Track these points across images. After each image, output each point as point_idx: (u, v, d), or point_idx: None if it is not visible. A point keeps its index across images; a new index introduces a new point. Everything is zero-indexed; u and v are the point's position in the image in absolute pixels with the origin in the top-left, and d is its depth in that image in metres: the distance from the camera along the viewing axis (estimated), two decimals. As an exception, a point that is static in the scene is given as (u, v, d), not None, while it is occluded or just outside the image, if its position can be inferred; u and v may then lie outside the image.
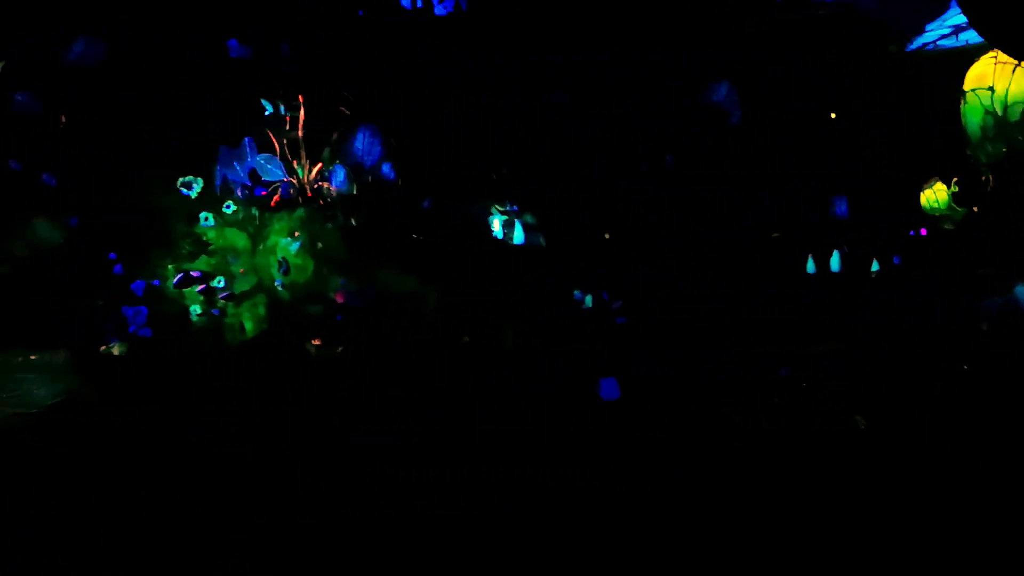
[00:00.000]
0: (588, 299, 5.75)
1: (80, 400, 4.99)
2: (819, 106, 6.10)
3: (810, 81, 6.04)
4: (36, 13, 5.68)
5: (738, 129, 5.97)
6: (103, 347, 5.39)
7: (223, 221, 5.66)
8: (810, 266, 5.97)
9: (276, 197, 5.75)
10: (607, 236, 5.96)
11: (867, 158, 6.04)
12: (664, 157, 5.97)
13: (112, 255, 5.56)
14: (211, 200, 5.68)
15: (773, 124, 6.03)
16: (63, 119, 5.77)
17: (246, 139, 5.77)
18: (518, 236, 5.78)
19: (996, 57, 5.68)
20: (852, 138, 6.08)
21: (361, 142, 5.77)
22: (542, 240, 5.80)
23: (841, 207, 6.02)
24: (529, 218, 5.79)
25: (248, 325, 5.50)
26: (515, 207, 5.77)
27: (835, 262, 5.96)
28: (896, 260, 5.96)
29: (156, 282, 5.55)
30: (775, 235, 5.96)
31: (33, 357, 5.14)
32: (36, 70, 5.73)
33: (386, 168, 5.78)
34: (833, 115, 6.10)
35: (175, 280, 5.52)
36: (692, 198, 5.96)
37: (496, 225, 5.78)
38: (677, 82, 5.91)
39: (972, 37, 5.72)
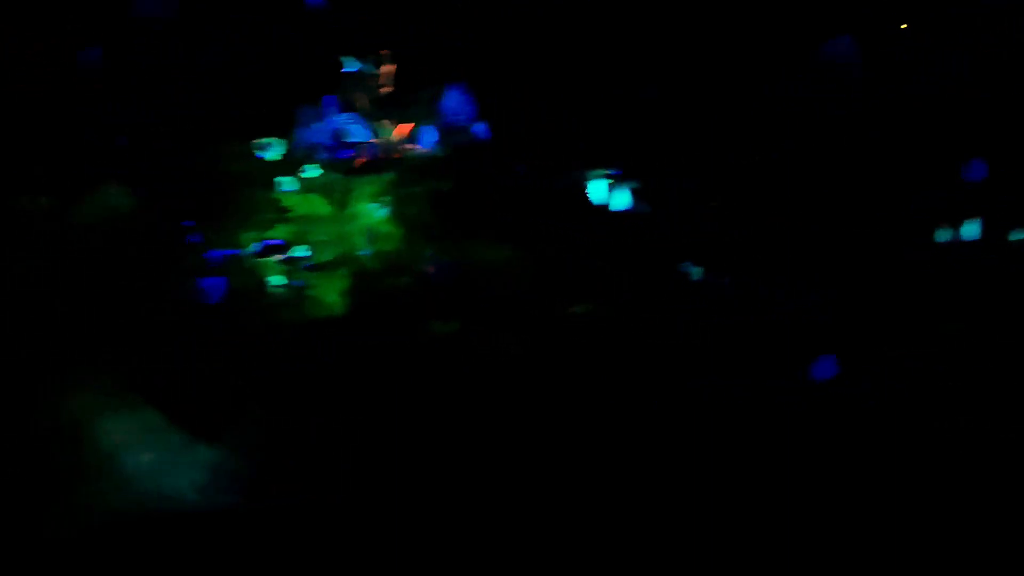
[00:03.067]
0: (696, 272, 5.28)
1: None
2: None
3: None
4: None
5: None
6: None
7: (304, 186, 5.32)
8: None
9: (360, 160, 5.38)
10: (714, 204, 5.46)
11: None
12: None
13: (187, 223, 5.26)
14: (291, 164, 5.35)
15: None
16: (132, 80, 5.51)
17: (326, 98, 5.41)
18: (621, 201, 5.32)
19: None
20: None
21: (453, 100, 5.36)
22: (647, 206, 5.33)
23: None
24: (633, 183, 5.32)
25: (331, 297, 5.15)
26: (619, 171, 5.30)
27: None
28: None
29: (233, 252, 5.23)
30: None
31: None
32: (104, 26, 5.47)
33: (480, 128, 5.36)
34: None
35: (253, 249, 5.20)
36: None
37: (597, 190, 5.33)
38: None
39: None
